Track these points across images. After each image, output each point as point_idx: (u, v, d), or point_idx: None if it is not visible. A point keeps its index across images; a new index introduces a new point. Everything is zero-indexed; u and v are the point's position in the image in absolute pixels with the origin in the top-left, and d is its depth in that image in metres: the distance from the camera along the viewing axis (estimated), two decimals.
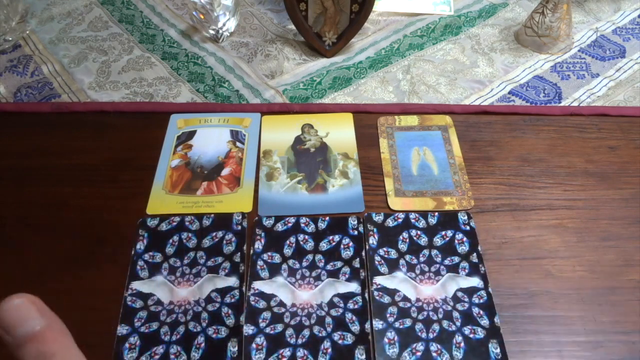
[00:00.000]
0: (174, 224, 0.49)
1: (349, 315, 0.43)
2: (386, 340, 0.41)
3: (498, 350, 0.41)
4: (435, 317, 0.43)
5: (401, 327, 0.42)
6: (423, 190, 0.52)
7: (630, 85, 0.63)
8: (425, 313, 0.43)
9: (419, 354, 0.40)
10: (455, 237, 0.48)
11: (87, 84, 0.63)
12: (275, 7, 0.75)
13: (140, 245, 0.47)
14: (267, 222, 0.49)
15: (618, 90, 0.63)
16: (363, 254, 0.47)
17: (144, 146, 0.56)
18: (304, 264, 0.46)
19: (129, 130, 0.58)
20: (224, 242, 0.48)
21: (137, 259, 0.46)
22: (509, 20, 0.73)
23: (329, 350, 0.41)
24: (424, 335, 0.41)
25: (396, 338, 0.41)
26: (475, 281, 0.45)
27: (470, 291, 0.44)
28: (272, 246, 0.47)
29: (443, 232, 0.48)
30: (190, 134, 0.58)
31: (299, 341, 0.41)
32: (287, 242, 0.48)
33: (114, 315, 0.43)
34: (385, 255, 0.47)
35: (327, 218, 0.49)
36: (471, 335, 0.41)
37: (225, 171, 0.54)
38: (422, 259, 0.46)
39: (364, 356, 0.40)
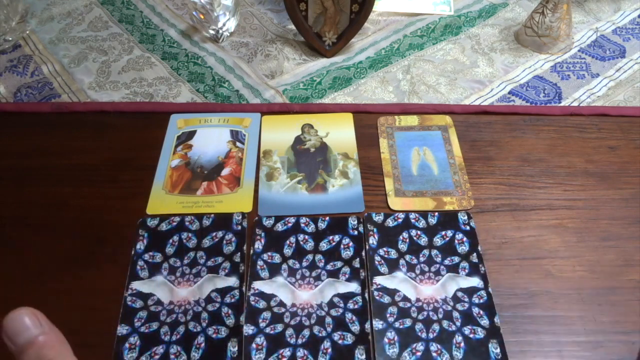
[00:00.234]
0: (174, 224, 0.49)
1: (349, 315, 0.43)
2: (386, 340, 0.41)
3: (498, 350, 0.41)
4: (435, 317, 0.43)
5: (401, 327, 0.42)
6: (423, 190, 0.52)
7: (630, 85, 0.63)
8: (425, 313, 0.43)
9: (419, 354, 0.40)
10: (455, 237, 0.48)
11: (87, 84, 0.63)
12: (275, 7, 0.75)
13: (140, 245, 0.47)
14: (267, 222, 0.49)
15: (618, 90, 0.63)
16: (363, 254, 0.47)
17: (144, 146, 0.56)
18: (304, 264, 0.46)
19: (129, 130, 0.58)
20: (224, 242, 0.48)
21: (137, 259, 0.46)
22: (509, 20, 0.73)
23: (329, 350, 0.41)
24: (424, 335, 0.41)
25: (396, 338, 0.41)
26: (475, 281, 0.45)
27: (470, 291, 0.44)
28: (272, 246, 0.47)
29: (443, 232, 0.48)
30: (190, 134, 0.58)
31: (299, 341, 0.41)
32: (287, 242, 0.48)
33: (114, 315, 0.43)
34: (385, 255, 0.47)
35: (327, 218, 0.49)
36: (471, 335, 0.41)
37: (225, 171, 0.54)
38: (422, 259, 0.46)
39: (364, 356, 0.40)
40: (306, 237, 0.48)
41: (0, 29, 0.67)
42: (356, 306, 0.43)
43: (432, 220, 0.49)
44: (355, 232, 0.48)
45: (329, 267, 0.46)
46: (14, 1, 0.67)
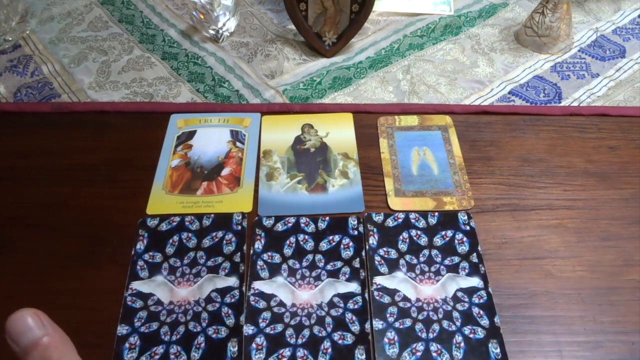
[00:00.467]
0: (174, 224, 0.49)
1: (349, 315, 0.43)
2: (386, 340, 0.41)
3: (498, 350, 0.41)
4: (435, 317, 0.43)
5: (401, 327, 0.42)
6: (423, 190, 0.52)
7: (630, 85, 0.63)
8: (425, 313, 0.43)
9: (419, 354, 0.40)
10: (455, 237, 0.48)
11: (87, 84, 0.63)
12: (275, 7, 0.75)
13: (140, 245, 0.47)
14: (267, 222, 0.49)
15: (618, 90, 0.63)
16: (363, 254, 0.47)
17: (144, 146, 0.56)
18: (304, 264, 0.46)
19: (129, 130, 0.58)
20: (224, 242, 0.48)
21: (137, 259, 0.46)
22: (509, 20, 0.73)
23: (329, 350, 0.41)
24: (424, 335, 0.41)
25: (396, 338, 0.41)
26: (475, 281, 0.45)
27: (470, 291, 0.44)
28: (272, 246, 0.47)
29: (443, 232, 0.48)
30: (190, 134, 0.58)
31: (299, 341, 0.41)
32: (287, 242, 0.48)
33: (114, 315, 0.43)
34: (385, 255, 0.47)
35: (327, 218, 0.49)
36: (471, 335, 0.41)
37: (225, 171, 0.54)
38: (422, 259, 0.46)
39: (364, 356, 0.40)
40: (306, 237, 0.48)
41: (0, 29, 0.67)
42: (356, 306, 0.43)
43: (432, 220, 0.49)
44: (355, 232, 0.48)
45: (329, 267, 0.46)
46: (14, 1, 0.67)
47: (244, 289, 0.44)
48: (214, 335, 0.42)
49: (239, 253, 0.47)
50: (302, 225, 0.49)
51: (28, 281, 0.45)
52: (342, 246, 0.47)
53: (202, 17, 0.67)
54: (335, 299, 0.44)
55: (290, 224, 0.49)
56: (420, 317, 0.43)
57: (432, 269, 0.46)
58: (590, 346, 0.41)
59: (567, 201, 0.51)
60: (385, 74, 0.65)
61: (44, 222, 0.50)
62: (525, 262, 0.47)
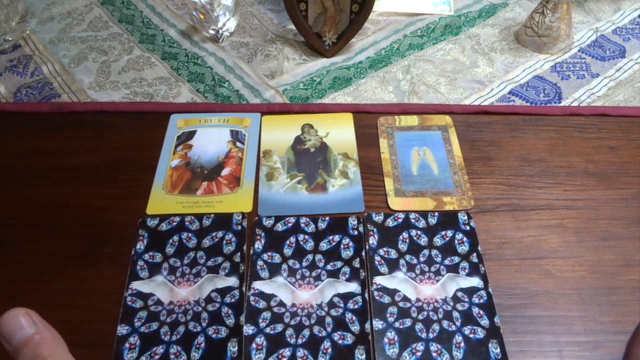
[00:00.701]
0: (174, 224, 0.49)
1: (349, 315, 0.43)
2: (386, 340, 0.41)
3: (498, 350, 0.41)
4: (435, 317, 0.43)
5: (401, 327, 0.42)
6: (423, 190, 0.52)
7: (630, 85, 0.63)
8: (425, 313, 0.43)
9: (419, 354, 0.40)
10: (455, 237, 0.48)
11: (87, 84, 0.63)
12: (275, 7, 0.75)
13: (140, 245, 0.47)
14: (267, 222, 0.49)
15: (618, 90, 0.63)
16: (363, 254, 0.47)
17: (144, 146, 0.56)
18: (304, 264, 0.46)
19: (129, 130, 0.58)
20: (224, 242, 0.48)
21: (137, 259, 0.46)
22: (509, 20, 0.73)
23: (329, 350, 0.41)
24: (424, 335, 0.41)
25: (396, 338, 0.41)
26: (475, 281, 0.45)
27: (470, 291, 0.44)
28: (272, 246, 0.47)
29: (443, 232, 0.48)
30: (190, 134, 0.58)
31: (299, 341, 0.41)
32: (287, 242, 0.48)
33: (114, 315, 0.43)
34: (385, 255, 0.47)
35: (327, 218, 0.49)
36: (471, 335, 0.41)
37: (225, 171, 0.54)
38: (422, 259, 0.46)
39: (364, 356, 0.40)
40: (306, 237, 0.48)
41: (0, 29, 0.67)
42: (356, 306, 0.43)
43: (432, 220, 0.49)
44: (355, 232, 0.48)
45: (329, 267, 0.46)
46: (14, 1, 0.67)
47: (244, 289, 0.44)
48: (214, 335, 0.42)
49: (239, 253, 0.47)
50: (302, 225, 0.49)
51: (28, 281, 0.45)
52: (342, 246, 0.47)
53: (202, 17, 0.67)
54: (335, 299, 0.44)
55: (290, 224, 0.49)
56: (420, 317, 0.43)
57: (432, 269, 0.46)
58: (590, 346, 0.41)
59: (567, 201, 0.51)
60: (385, 74, 0.65)
61: (44, 222, 0.50)
62: (525, 262, 0.47)
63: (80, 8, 0.74)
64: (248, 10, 0.74)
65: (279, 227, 0.49)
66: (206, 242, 0.48)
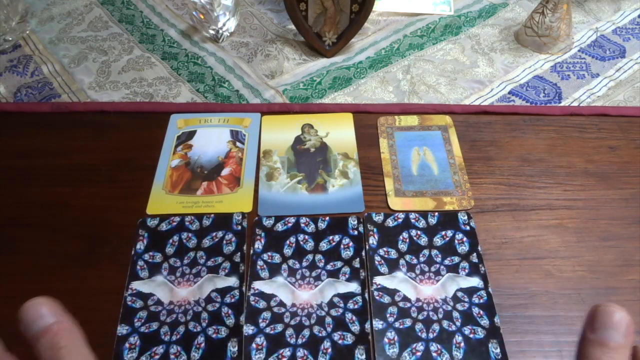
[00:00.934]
0: (174, 224, 0.49)
1: (349, 315, 0.43)
2: (386, 340, 0.41)
3: (498, 350, 0.41)
4: (435, 317, 0.43)
5: (401, 327, 0.42)
6: (423, 190, 0.52)
7: (630, 85, 0.63)
8: (425, 313, 0.43)
9: (419, 354, 0.40)
10: (455, 237, 0.48)
11: (87, 84, 0.63)
12: (275, 7, 0.75)
13: (140, 245, 0.47)
14: (267, 222, 0.49)
15: (618, 90, 0.63)
16: (363, 254, 0.47)
17: (144, 146, 0.56)
18: (304, 264, 0.46)
19: (129, 130, 0.58)
20: (224, 242, 0.48)
21: (137, 259, 0.46)
22: (509, 20, 0.73)
23: (329, 350, 0.41)
24: (424, 335, 0.41)
25: (396, 338, 0.41)
26: (475, 281, 0.45)
27: (470, 291, 0.44)
28: (272, 246, 0.47)
29: (443, 232, 0.48)
30: (190, 134, 0.58)
31: (299, 341, 0.41)
32: (287, 242, 0.48)
33: (114, 315, 0.43)
34: (385, 255, 0.47)
35: (327, 218, 0.49)
36: (471, 335, 0.41)
37: (225, 171, 0.54)
38: (422, 259, 0.46)
39: (364, 356, 0.40)
40: (306, 237, 0.48)
41: (0, 29, 0.67)
42: (356, 306, 0.43)
43: (432, 220, 0.49)
44: (355, 232, 0.48)
45: (329, 267, 0.46)
46: (14, 1, 0.67)
47: (244, 289, 0.44)
48: (214, 335, 0.42)
49: (239, 253, 0.47)
50: (302, 225, 0.49)
51: (28, 281, 0.45)
52: (342, 246, 0.47)
53: (202, 17, 0.67)
54: (335, 299, 0.44)
55: (290, 224, 0.49)
56: (420, 317, 0.43)
57: (432, 269, 0.46)
58: None
59: (567, 201, 0.51)
60: (385, 74, 0.65)
61: (44, 222, 0.50)
62: (525, 262, 0.47)
63: (80, 8, 0.74)
64: (248, 10, 0.74)
65: (279, 227, 0.49)
66: (206, 242, 0.48)
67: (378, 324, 0.42)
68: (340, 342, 0.41)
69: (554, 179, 0.53)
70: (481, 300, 0.44)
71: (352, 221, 0.49)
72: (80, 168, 0.54)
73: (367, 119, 0.59)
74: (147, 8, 0.75)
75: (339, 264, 0.46)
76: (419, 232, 0.48)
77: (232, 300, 0.44)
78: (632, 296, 0.44)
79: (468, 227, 0.49)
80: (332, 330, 0.42)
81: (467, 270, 0.45)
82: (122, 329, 0.42)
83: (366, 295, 0.44)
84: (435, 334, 0.42)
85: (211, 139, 0.57)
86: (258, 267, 0.46)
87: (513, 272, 0.46)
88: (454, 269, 0.46)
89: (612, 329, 0.31)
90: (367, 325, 0.42)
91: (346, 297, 0.44)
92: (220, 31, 0.68)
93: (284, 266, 0.46)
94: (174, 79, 0.64)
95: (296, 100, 0.61)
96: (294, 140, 0.57)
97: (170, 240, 0.48)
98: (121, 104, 0.60)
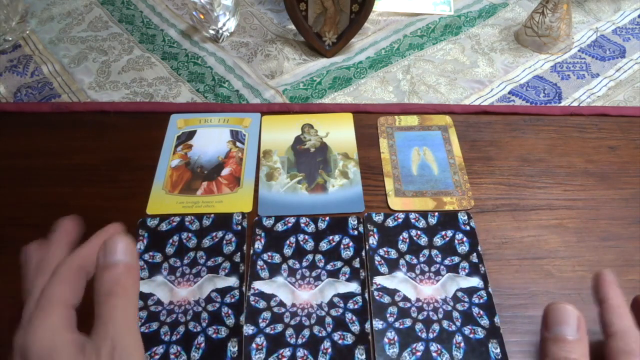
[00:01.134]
0: (174, 224, 0.49)
1: (349, 315, 0.43)
2: (386, 340, 0.41)
3: (498, 350, 0.41)
4: (435, 317, 0.43)
5: (401, 327, 0.42)
6: (423, 190, 0.52)
7: (630, 85, 0.63)
8: (425, 313, 0.43)
9: (419, 354, 0.40)
10: (455, 237, 0.48)
11: (87, 84, 0.63)
12: (275, 7, 0.75)
13: (140, 245, 0.47)
14: (267, 222, 0.49)
15: (618, 90, 0.63)
16: (363, 254, 0.47)
17: (144, 146, 0.56)
18: (304, 264, 0.46)
19: (129, 130, 0.58)
20: (224, 242, 0.48)
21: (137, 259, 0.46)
22: (509, 20, 0.73)
23: (329, 350, 0.41)
24: (424, 335, 0.41)
25: (396, 338, 0.41)
26: (475, 281, 0.45)
27: (470, 291, 0.44)
28: (272, 246, 0.47)
29: (443, 232, 0.48)
30: (190, 134, 0.58)
31: (299, 341, 0.41)
32: (287, 242, 0.48)
33: None
34: (385, 255, 0.47)
35: (327, 218, 0.49)
36: (471, 335, 0.41)
37: (225, 171, 0.54)
38: (422, 259, 0.46)
39: (364, 356, 0.40)
40: (306, 237, 0.48)
41: (0, 29, 0.67)
42: (356, 306, 0.43)
43: (432, 220, 0.49)
44: (355, 232, 0.48)
45: (329, 267, 0.46)
46: (14, 1, 0.67)
47: (244, 289, 0.44)
48: (214, 335, 0.42)
49: (239, 253, 0.47)
50: (302, 225, 0.49)
51: None
52: (342, 246, 0.47)
53: (202, 17, 0.67)
54: (335, 299, 0.44)
55: (290, 224, 0.49)
56: (420, 317, 0.43)
57: (432, 269, 0.46)
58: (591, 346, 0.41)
59: (567, 201, 0.51)
60: (385, 74, 0.65)
61: (44, 222, 0.49)
62: (525, 262, 0.47)
63: (80, 8, 0.74)
64: (248, 10, 0.74)
65: (279, 227, 0.49)
66: (206, 242, 0.48)
67: (378, 324, 0.42)
68: (340, 342, 0.41)
69: (554, 179, 0.53)
70: (481, 300, 0.44)
71: (352, 221, 0.49)
72: (80, 168, 0.54)
73: (367, 119, 0.59)
74: (147, 8, 0.75)
75: (339, 264, 0.46)
76: (419, 232, 0.48)
77: (232, 300, 0.44)
78: (632, 296, 0.44)
79: (468, 227, 0.49)
80: (332, 330, 0.42)
81: (467, 270, 0.45)
82: None
83: (366, 295, 0.44)
84: (435, 334, 0.42)
85: (211, 139, 0.57)
86: (258, 267, 0.46)
87: (513, 272, 0.46)
88: (454, 269, 0.46)
89: (564, 325, 0.32)
90: (367, 325, 0.42)
91: (346, 297, 0.44)
92: (220, 31, 0.68)
93: (284, 266, 0.46)
94: (174, 79, 0.64)
95: (296, 100, 0.61)
96: (294, 140, 0.57)
97: (170, 240, 0.48)
98: (121, 104, 0.61)
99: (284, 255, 0.47)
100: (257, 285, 0.45)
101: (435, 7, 0.74)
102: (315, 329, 0.42)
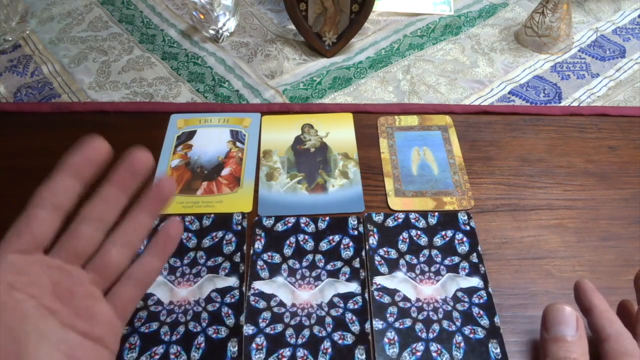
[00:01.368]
0: None
1: (349, 315, 0.43)
2: (386, 340, 0.41)
3: (498, 350, 0.41)
4: (435, 317, 0.43)
5: (401, 327, 0.42)
6: (423, 190, 0.52)
7: (630, 85, 0.63)
8: (425, 313, 0.43)
9: (419, 354, 0.40)
10: (455, 237, 0.48)
11: (87, 84, 0.63)
12: (275, 7, 0.75)
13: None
14: (267, 222, 0.49)
15: (618, 90, 0.63)
16: (363, 254, 0.47)
17: (143, 146, 0.56)
18: (304, 264, 0.46)
19: (129, 130, 0.58)
20: (224, 242, 0.48)
21: None
22: (509, 20, 0.73)
23: (329, 350, 0.41)
24: (424, 335, 0.41)
25: (396, 338, 0.41)
26: (475, 281, 0.45)
27: (470, 291, 0.44)
28: (272, 246, 0.47)
29: (443, 232, 0.48)
30: (190, 134, 0.58)
31: (299, 341, 0.41)
32: (287, 242, 0.48)
33: None
34: (385, 255, 0.47)
35: (327, 218, 0.49)
36: (471, 335, 0.41)
37: (225, 171, 0.54)
38: (422, 259, 0.46)
39: (364, 356, 0.40)
40: (306, 237, 0.48)
41: (0, 29, 0.67)
42: (356, 306, 0.43)
43: (432, 220, 0.49)
44: (355, 232, 0.48)
45: (329, 267, 0.46)
46: (14, 1, 0.67)
47: (244, 289, 0.44)
48: (214, 335, 0.42)
49: (239, 253, 0.47)
50: (302, 225, 0.49)
51: None
52: (342, 246, 0.47)
53: (202, 17, 0.67)
54: (335, 299, 0.44)
55: (290, 224, 0.49)
56: (420, 317, 0.43)
57: (432, 269, 0.46)
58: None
59: (567, 201, 0.51)
60: (385, 74, 0.65)
61: None
62: (525, 262, 0.47)
63: (80, 8, 0.74)
64: (248, 10, 0.74)
65: (279, 227, 0.49)
66: (206, 242, 0.48)
67: (378, 324, 0.42)
68: (340, 342, 0.41)
69: (554, 179, 0.53)
70: (481, 300, 0.44)
71: (352, 221, 0.49)
72: None
73: (367, 119, 0.59)
74: (147, 8, 0.75)
75: (339, 264, 0.46)
76: (419, 232, 0.48)
77: (232, 300, 0.44)
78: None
79: (468, 227, 0.49)
80: (332, 330, 0.42)
81: (467, 270, 0.45)
82: None
83: (366, 295, 0.44)
84: (435, 334, 0.42)
85: (211, 139, 0.57)
86: (258, 267, 0.46)
87: (513, 272, 0.46)
88: (454, 269, 0.46)
89: (564, 325, 0.33)
90: (367, 325, 0.42)
91: (346, 297, 0.44)
92: (220, 31, 0.68)
93: (284, 266, 0.46)
94: (174, 79, 0.64)
95: (296, 100, 0.61)
96: (294, 140, 0.57)
97: None
98: (121, 104, 0.60)
99: (284, 255, 0.47)
100: (257, 285, 0.45)
101: (435, 7, 0.74)
102: (315, 329, 0.42)
